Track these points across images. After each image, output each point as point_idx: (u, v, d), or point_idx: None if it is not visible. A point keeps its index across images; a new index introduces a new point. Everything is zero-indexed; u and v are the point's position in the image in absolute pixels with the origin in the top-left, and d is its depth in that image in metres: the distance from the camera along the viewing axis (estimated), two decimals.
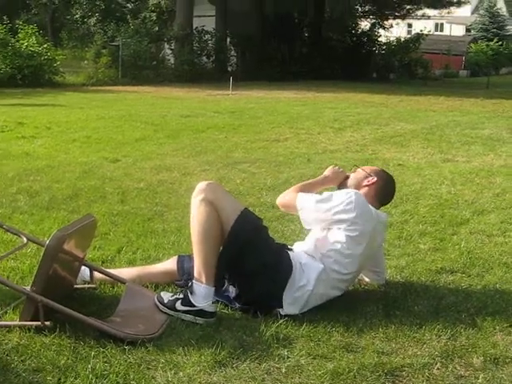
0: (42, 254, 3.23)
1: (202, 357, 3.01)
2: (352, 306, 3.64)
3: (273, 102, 16.97)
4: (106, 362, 2.95)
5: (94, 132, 10.42)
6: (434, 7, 34.69)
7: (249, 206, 5.42)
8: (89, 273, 3.75)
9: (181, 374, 2.89)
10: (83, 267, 3.73)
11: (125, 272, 3.92)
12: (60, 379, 2.80)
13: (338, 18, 31.58)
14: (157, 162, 7.96)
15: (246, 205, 5.70)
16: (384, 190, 3.95)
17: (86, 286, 3.74)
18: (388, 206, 5.66)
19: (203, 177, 7.21)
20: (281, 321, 3.41)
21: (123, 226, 5.12)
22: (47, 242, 3.17)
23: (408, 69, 32.45)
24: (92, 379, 2.80)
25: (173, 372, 2.90)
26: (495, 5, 53.06)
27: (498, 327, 3.44)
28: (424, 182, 7.12)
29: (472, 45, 44.03)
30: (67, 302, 3.29)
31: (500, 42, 44.81)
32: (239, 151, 9.02)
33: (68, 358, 2.95)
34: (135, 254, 4.43)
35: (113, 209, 5.66)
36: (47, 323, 3.13)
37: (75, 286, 3.68)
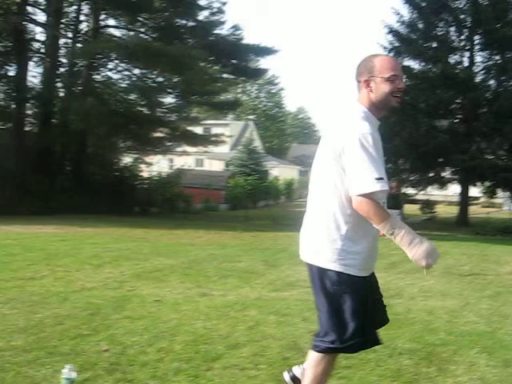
0: None
1: None
2: None
3: (32, 238, 16.42)
4: None
5: None
6: (193, 145, 36.36)
7: None
8: None
9: None
10: None
11: None
12: None
13: (99, 154, 31.94)
14: None
15: None
16: None
17: None
18: (144, 344, 5.65)
19: None
20: None
21: None
22: None
23: (170, 203, 33.28)
24: None
25: None
26: (252, 142, 56.99)
27: None
28: (181, 317, 7.17)
29: (231, 180, 46.31)
30: None
31: (257, 177, 47.63)
32: None
33: None
34: None
35: None
36: None
37: None
